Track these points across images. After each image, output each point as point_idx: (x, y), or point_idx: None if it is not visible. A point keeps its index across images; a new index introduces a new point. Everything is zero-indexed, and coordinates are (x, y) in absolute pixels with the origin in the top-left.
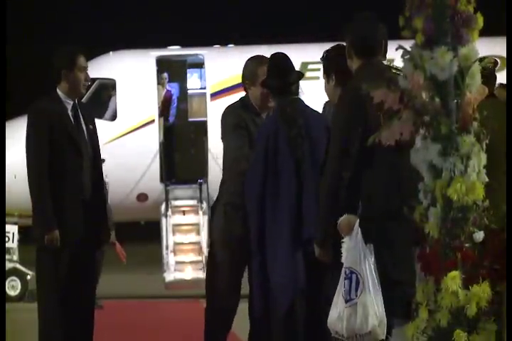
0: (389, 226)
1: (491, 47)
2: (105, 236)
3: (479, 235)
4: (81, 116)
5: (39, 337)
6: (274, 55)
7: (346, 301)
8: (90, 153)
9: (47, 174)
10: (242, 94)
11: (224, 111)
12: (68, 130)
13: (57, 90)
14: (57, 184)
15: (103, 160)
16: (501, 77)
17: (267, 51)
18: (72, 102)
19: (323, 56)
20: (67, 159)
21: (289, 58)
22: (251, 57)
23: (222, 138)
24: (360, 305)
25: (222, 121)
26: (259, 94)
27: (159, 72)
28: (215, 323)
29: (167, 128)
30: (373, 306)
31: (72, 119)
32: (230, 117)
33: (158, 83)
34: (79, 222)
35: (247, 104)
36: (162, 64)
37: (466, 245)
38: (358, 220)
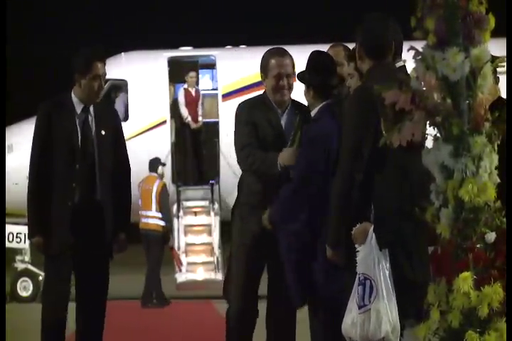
0: (402, 227)
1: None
2: (117, 245)
3: (491, 236)
4: (92, 121)
5: (41, 337)
6: (317, 51)
7: (360, 307)
8: (97, 159)
9: (39, 178)
10: (254, 95)
11: (239, 104)
12: (66, 134)
13: (72, 92)
14: (51, 189)
15: (163, 164)
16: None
17: None
18: (82, 106)
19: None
20: (61, 164)
21: (333, 59)
22: (269, 49)
23: (234, 133)
24: (374, 311)
25: (235, 114)
26: (270, 87)
27: (177, 71)
28: (237, 324)
29: (178, 129)
30: (387, 312)
31: (77, 123)
32: (243, 111)
33: (186, 82)
34: (69, 230)
35: (265, 98)
36: (174, 65)
37: (478, 246)
38: (373, 226)
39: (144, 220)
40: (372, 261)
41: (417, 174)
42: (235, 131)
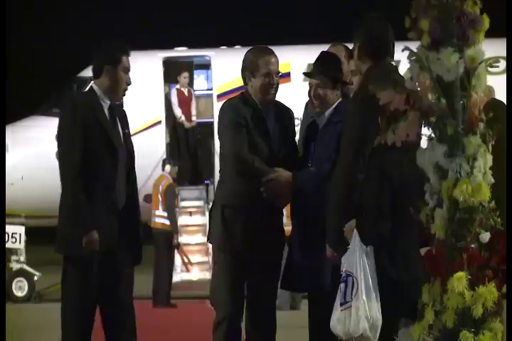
0: (382, 226)
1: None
2: (137, 249)
3: (485, 236)
4: (117, 119)
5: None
6: (326, 51)
7: (341, 304)
8: (126, 157)
9: (81, 171)
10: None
11: (222, 106)
12: (104, 129)
13: (94, 85)
14: (88, 186)
15: (173, 163)
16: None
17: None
18: (109, 102)
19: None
20: (101, 161)
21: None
22: (251, 48)
23: (219, 134)
24: (354, 308)
25: (220, 116)
26: (259, 86)
27: (172, 72)
28: (224, 328)
29: (173, 129)
30: (365, 309)
31: (108, 119)
32: (230, 113)
33: (179, 83)
34: (110, 229)
35: (247, 98)
36: (169, 65)
37: (472, 246)
38: (355, 222)
39: (152, 219)
40: (355, 258)
41: (400, 174)
42: (222, 135)
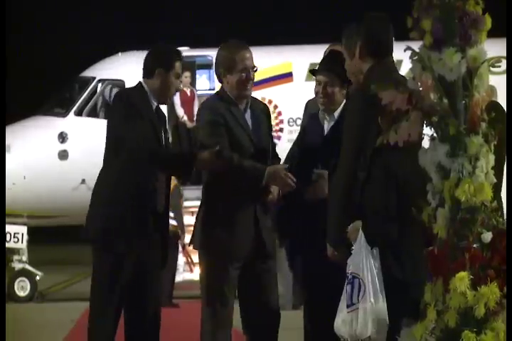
0: (388, 226)
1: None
2: (165, 251)
3: (487, 236)
4: (162, 121)
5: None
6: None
7: (347, 306)
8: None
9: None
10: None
11: (200, 106)
12: (153, 125)
13: (144, 84)
14: (134, 186)
15: None
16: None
17: (274, 52)
18: (156, 103)
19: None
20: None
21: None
22: (223, 45)
23: (197, 135)
24: (361, 310)
25: (197, 117)
26: (235, 82)
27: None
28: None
29: (175, 129)
30: (373, 311)
31: (157, 119)
32: (207, 112)
33: (181, 83)
34: (152, 230)
35: (223, 95)
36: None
37: (475, 246)
38: (361, 224)
39: None
40: (361, 259)
41: (404, 174)
42: (200, 132)
